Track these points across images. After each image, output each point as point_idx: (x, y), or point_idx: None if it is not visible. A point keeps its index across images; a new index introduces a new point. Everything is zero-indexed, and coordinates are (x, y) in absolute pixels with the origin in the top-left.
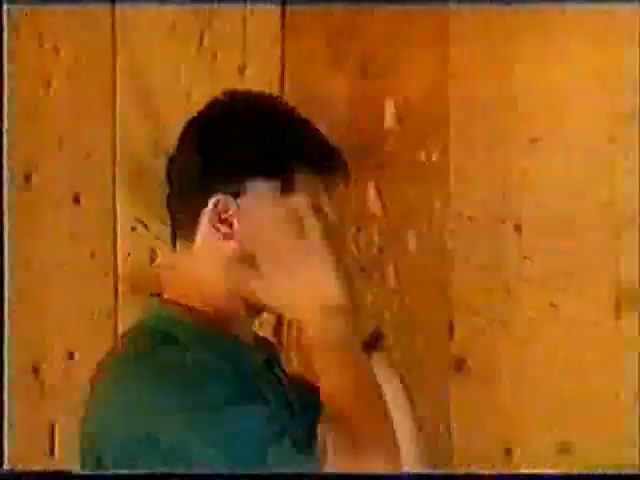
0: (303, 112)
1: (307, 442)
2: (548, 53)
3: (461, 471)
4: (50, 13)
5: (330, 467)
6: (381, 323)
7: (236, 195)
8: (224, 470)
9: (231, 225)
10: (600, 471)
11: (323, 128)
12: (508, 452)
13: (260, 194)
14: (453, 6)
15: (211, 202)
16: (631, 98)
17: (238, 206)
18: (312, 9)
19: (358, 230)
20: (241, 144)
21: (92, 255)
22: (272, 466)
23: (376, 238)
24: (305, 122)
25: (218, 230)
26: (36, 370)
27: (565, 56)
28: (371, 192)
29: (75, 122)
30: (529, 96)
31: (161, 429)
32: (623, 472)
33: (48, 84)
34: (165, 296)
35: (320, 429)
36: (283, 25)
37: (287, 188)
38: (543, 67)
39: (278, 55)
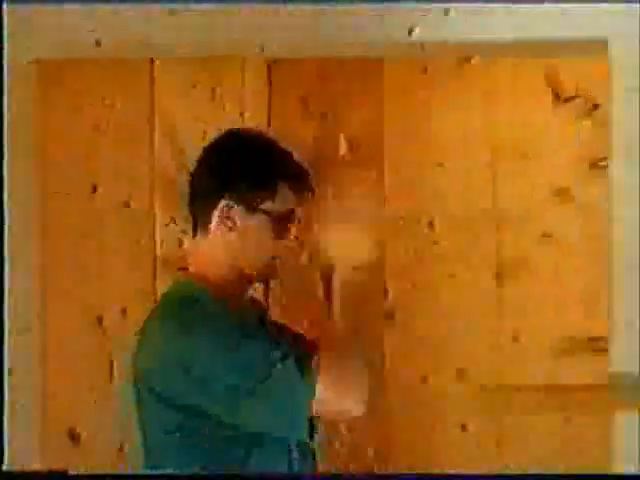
0: (282, 143)
1: (304, 366)
2: (456, 100)
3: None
4: (99, 69)
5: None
6: None
7: (237, 201)
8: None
9: (233, 222)
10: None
11: (296, 155)
12: (424, 380)
13: (263, 205)
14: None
15: (219, 206)
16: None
17: (238, 209)
18: (291, 73)
19: None
20: (241, 166)
21: (137, 242)
22: (279, 381)
23: None
24: (285, 151)
25: (225, 225)
26: (100, 320)
27: (469, 104)
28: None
29: (126, 153)
30: (440, 132)
31: (192, 361)
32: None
33: (107, 125)
34: (189, 270)
35: (315, 360)
36: (270, 84)
37: (272, 198)
38: (452, 111)
39: (266, 105)
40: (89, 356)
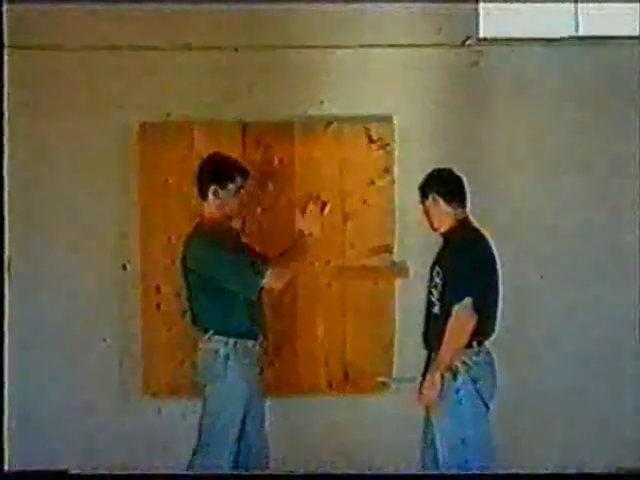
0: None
1: (262, 265)
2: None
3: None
4: None
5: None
6: None
7: (220, 186)
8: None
9: (218, 195)
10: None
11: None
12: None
13: (229, 187)
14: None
15: (211, 188)
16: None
17: (221, 190)
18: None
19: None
20: (217, 170)
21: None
22: (254, 279)
23: None
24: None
25: (215, 196)
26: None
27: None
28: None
29: None
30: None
31: (207, 266)
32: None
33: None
34: (203, 220)
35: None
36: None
37: (233, 183)
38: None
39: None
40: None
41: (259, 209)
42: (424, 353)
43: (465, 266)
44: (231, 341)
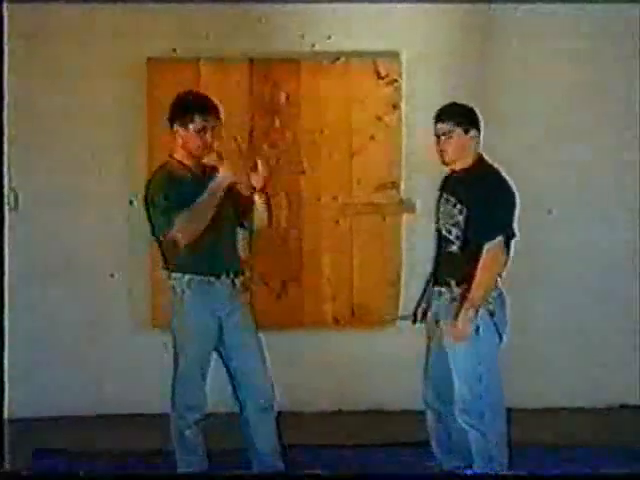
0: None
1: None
2: None
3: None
4: None
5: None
6: None
7: (181, 124)
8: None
9: (179, 133)
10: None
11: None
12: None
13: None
14: None
15: (174, 126)
16: None
17: (182, 128)
18: None
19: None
20: (179, 109)
21: None
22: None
23: None
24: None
25: (177, 134)
26: None
27: None
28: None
29: None
30: None
31: (150, 204)
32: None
33: None
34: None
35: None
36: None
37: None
38: None
39: None
40: None
41: (265, 145)
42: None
43: (498, 203)
44: (186, 277)
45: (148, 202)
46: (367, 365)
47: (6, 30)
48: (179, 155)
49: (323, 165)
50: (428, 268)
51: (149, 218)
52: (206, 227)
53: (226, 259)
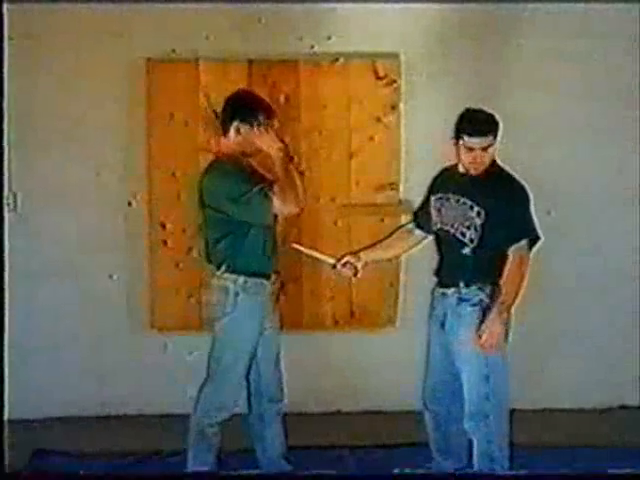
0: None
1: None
2: None
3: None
4: None
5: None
6: None
7: (242, 122)
8: None
9: (239, 131)
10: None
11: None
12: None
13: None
14: None
15: (234, 124)
16: None
17: (243, 126)
18: None
19: None
20: (242, 106)
21: None
22: (265, 204)
23: None
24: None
25: (236, 133)
26: None
27: None
28: None
29: None
30: None
31: (220, 197)
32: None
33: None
34: (218, 156)
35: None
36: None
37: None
38: None
39: None
40: None
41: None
42: (428, 290)
43: (521, 207)
44: (241, 278)
45: (223, 199)
46: (366, 366)
47: (6, 30)
48: (230, 153)
49: (322, 166)
50: (427, 268)
51: (216, 219)
52: (259, 226)
53: (273, 259)
